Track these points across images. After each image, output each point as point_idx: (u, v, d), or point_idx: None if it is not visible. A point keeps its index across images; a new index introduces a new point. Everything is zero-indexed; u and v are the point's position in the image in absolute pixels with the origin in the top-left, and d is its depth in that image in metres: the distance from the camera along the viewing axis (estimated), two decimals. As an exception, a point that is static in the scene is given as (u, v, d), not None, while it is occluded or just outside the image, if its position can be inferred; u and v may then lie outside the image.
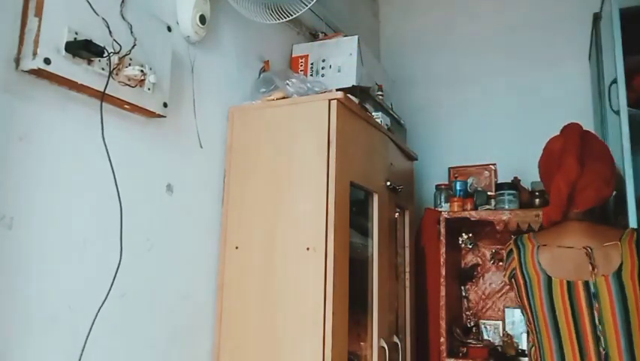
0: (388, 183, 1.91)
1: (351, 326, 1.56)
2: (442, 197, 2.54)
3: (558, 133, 1.44)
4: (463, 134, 2.82)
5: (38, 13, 1.07)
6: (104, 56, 1.17)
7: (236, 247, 1.59)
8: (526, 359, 2.11)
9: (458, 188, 2.50)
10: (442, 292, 2.29)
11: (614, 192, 2.11)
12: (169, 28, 1.42)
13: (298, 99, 1.61)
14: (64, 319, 1.15)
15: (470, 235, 2.59)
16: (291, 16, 1.59)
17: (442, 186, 2.57)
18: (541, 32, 2.72)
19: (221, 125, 1.69)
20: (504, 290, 2.58)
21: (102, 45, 1.16)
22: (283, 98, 1.64)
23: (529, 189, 2.36)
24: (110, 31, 1.21)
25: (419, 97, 2.89)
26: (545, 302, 1.26)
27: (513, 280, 1.35)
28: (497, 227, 2.25)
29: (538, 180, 2.46)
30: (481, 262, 2.65)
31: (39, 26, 1.06)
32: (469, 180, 2.50)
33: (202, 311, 1.57)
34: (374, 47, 3.07)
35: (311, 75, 1.99)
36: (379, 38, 3.18)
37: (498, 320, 2.55)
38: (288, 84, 1.64)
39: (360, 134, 1.71)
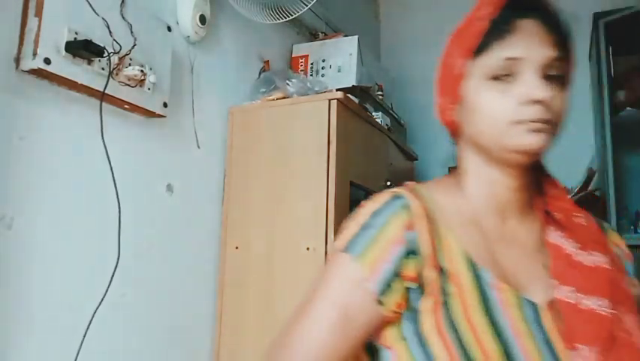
0: (388, 183, 1.90)
1: (351, 326, 1.55)
2: (442, 197, 2.53)
3: None
4: (463, 134, 2.82)
5: (38, 13, 1.07)
6: (104, 56, 1.17)
7: (237, 247, 1.59)
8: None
9: (458, 188, 2.50)
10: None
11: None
12: (169, 28, 1.42)
13: (298, 99, 1.61)
14: (64, 319, 1.15)
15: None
16: (291, 16, 1.59)
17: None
18: (541, 32, 2.72)
19: (221, 125, 1.69)
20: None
21: (102, 45, 1.16)
22: (283, 98, 1.64)
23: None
24: (110, 31, 1.21)
25: (419, 97, 2.88)
26: None
27: None
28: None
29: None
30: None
31: (39, 26, 1.06)
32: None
33: (202, 311, 1.57)
34: (374, 47, 3.07)
35: (311, 75, 1.99)
36: (379, 38, 3.18)
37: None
38: (288, 84, 1.64)
39: (360, 134, 1.71)
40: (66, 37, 1.10)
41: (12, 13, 1.07)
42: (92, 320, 1.17)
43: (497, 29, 0.64)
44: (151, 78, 1.30)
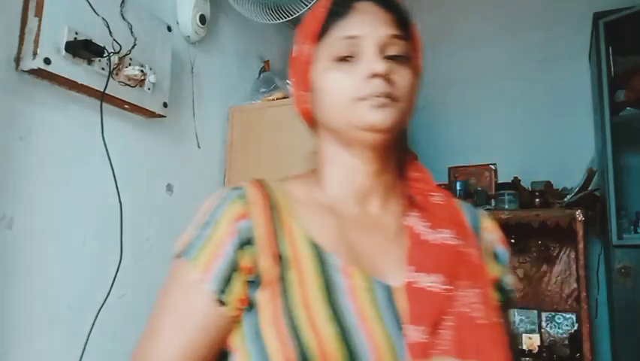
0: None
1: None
2: (442, 197, 2.53)
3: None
4: (463, 134, 2.82)
5: (38, 13, 1.07)
6: (104, 55, 1.17)
7: (237, 247, 1.59)
8: (528, 359, 2.11)
9: (458, 188, 2.50)
10: (442, 292, 2.29)
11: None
12: (169, 28, 1.42)
13: (298, 99, 1.61)
14: (64, 319, 1.15)
15: (470, 235, 2.59)
16: (291, 16, 1.59)
17: (442, 186, 2.57)
18: (542, 32, 2.72)
19: (222, 125, 1.69)
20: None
21: (102, 45, 1.16)
22: (283, 98, 1.64)
23: (529, 189, 2.36)
24: (110, 31, 1.21)
25: (419, 97, 2.89)
26: None
27: None
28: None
29: (538, 180, 2.45)
30: (481, 262, 2.65)
31: (39, 26, 1.06)
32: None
33: (202, 311, 1.56)
34: (374, 47, 3.07)
35: (311, 75, 2.00)
36: (379, 38, 3.18)
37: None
38: (288, 84, 1.64)
39: (360, 134, 1.71)
40: (66, 37, 1.10)
41: (12, 13, 1.07)
42: (95, 320, 1.17)
43: (335, 13, 0.67)
44: (151, 78, 1.30)
